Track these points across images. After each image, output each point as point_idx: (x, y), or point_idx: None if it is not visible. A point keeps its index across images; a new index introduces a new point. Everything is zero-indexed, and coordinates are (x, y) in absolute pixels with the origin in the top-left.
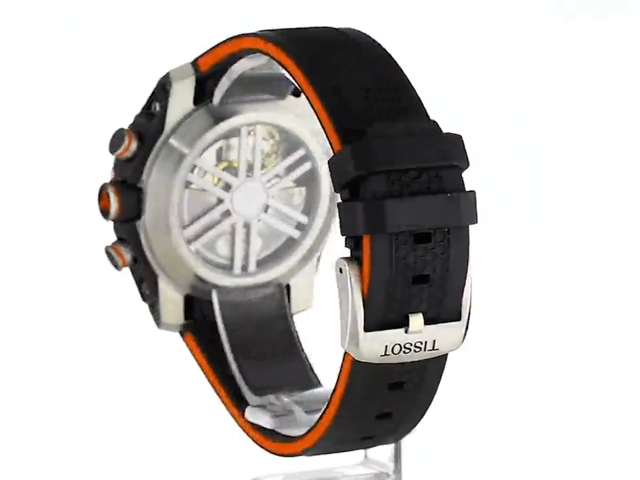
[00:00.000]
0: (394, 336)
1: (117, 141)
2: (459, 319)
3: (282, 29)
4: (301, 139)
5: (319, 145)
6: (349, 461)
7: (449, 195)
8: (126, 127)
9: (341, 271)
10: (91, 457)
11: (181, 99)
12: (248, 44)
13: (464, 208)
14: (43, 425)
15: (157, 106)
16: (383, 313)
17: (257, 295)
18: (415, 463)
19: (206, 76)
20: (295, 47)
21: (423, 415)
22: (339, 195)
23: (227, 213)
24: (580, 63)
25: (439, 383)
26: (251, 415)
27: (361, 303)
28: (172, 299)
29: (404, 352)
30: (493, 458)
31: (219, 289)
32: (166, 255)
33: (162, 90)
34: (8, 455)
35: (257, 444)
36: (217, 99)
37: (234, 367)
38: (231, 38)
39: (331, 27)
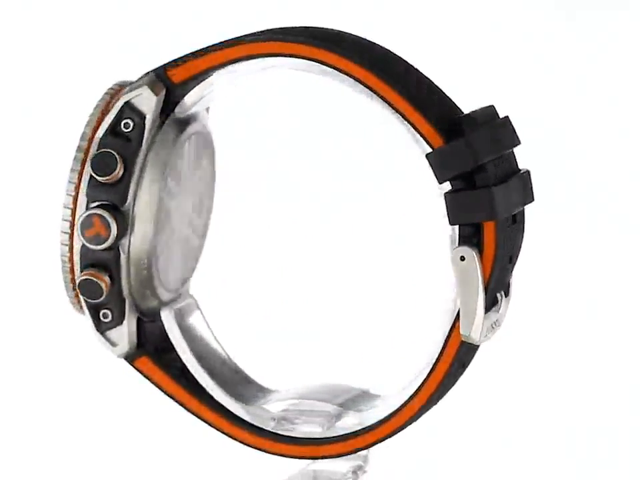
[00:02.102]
0: (493, 316)
1: (108, 165)
2: (508, 294)
3: (292, 29)
4: (212, 144)
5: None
6: None
7: (522, 174)
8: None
9: (462, 258)
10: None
11: (155, 115)
12: (273, 49)
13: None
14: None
15: (131, 125)
16: (493, 295)
17: (188, 309)
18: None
19: (173, 88)
20: (351, 51)
21: None
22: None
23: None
24: (580, 63)
25: None
26: (284, 426)
27: (483, 287)
28: (132, 323)
29: (490, 331)
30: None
31: (166, 307)
32: (137, 277)
33: (131, 108)
34: None
35: (283, 455)
36: (188, 109)
37: (208, 381)
38: (228, 45)
39: (322, 27)
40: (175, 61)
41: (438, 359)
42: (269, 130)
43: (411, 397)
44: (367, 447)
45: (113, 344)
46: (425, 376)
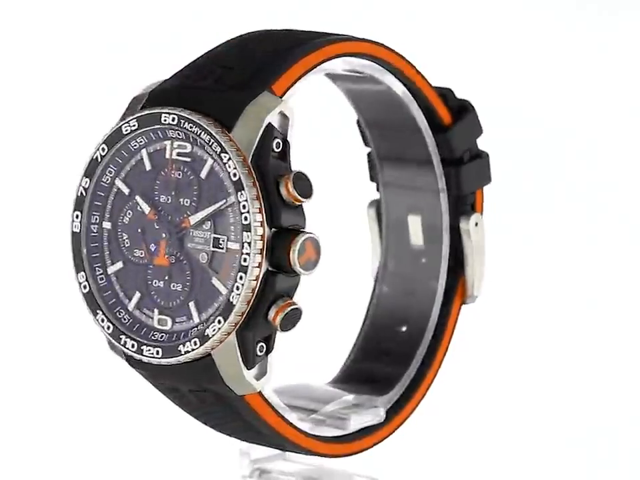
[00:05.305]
0: None
1: (309, 187)
2: None
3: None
4: None
5: None
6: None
7: None
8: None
9: (477, 224)
10: None
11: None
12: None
13: None
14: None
15: (280, 144)
16: None
17: None
18: None
19: None
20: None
21: None
22: None
23: None
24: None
25: None
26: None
27: None
28: None
29: None
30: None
31: None
32: None
33: (270, 128)
34: None
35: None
36: None
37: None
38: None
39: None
40: (273, 73)
41: (443, 327)
42: None
43: (425, 367)
44: (404, 421)
45: (256, 379)
46: (425, 347)
